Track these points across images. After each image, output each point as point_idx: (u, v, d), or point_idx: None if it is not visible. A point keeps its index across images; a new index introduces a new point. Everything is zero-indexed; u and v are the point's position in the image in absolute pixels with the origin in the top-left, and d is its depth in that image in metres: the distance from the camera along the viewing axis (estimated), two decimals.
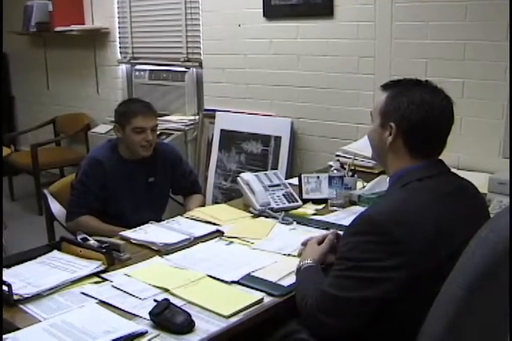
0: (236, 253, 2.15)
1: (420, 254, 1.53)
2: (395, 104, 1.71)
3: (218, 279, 1.89)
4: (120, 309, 1.71)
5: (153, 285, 1.85)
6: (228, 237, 2.29)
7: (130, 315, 1.67)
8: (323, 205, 2.65)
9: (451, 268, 1.44)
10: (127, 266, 2.03)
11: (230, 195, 4.15)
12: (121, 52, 5.27)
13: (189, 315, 1.61)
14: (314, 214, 2.56)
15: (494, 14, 3.06)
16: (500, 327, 1.50)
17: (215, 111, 4.47)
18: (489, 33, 3.11)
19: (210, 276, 1.91)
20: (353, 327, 1.61)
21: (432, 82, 1.76)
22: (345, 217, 2.47)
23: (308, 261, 1.87)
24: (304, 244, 2.06)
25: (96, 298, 1.78)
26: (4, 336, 1.55)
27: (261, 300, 1.76)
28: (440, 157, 1.76)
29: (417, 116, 1.67)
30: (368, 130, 1.83)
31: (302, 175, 2.83)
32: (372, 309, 1.58)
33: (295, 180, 2.88)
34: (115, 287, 1.86)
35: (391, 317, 1.61)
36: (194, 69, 4.74)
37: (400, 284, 1.54)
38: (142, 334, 1.56)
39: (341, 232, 1.92)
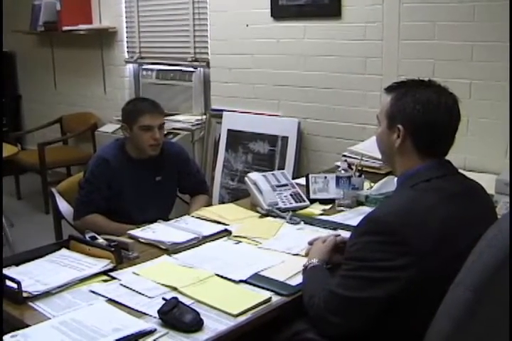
0: (244, 252, 2.15)
1: (427, 254, 1.54)
2: (400, 106, 1.71)
3: (226, 278, 1.90)
4: (129, 307, 1.72)
5: (162, 284, 1.85)
6: (236, 237, 2.30)
7: (139, 313, 1.68)
8: (331, 205, 2.66)
9: (457, 269, 1.44)
10: (135, 264, 2.04)
11: (237, 194, 4.15)
12: (128, 52, 5.28)
13: (197, 313, 1.62)
14: (321, 214, 2.56)
15: (502, 15, 3.05)
16: (507, 327, 1.50)
17: (222, 111, 4.47)
18: (497, 33, 3.10)
19: (219, 275, 1.92)
20: (361, 327, 1.62)
21: (435, 81, 1.77)
22: (353, 217, 2.47)
23: (314, 261, 1.88)
24: (311, 243, 2.06)
25: (105, 296, 1.79)
26: (14, 333, 1.56)
27: (269, 300, 1.77)
28: (447, 158, 1.76)
29: (423, 116, 1.68)
30: (376, 133, 1.84)
31: (310, 175, 2.83)
32: (380, 309, 1.59)
33: (302, 180, 2.89)
34: (124, 285, 1.86)
35: (398, 316, 1.62)
36: (201, 69, 4.74)
37: (407, 284, 1.54)
38: (151, 332, 1.57)
39: (349, 233, 1.92)
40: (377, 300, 1.58)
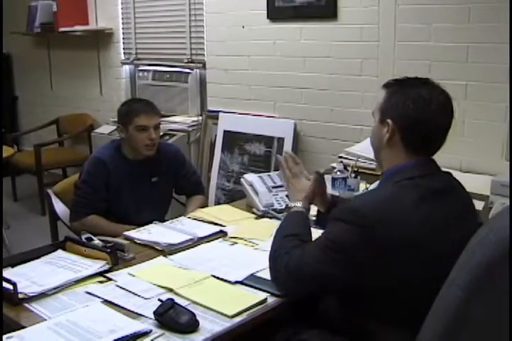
0: (240, 253, 2.16)
1: (402, 254, 1.56)
2: (392, 101, 1.72)
3: (222, 279, 1.90)
4: (124, 308, 1.72)
5: (158, 285, 1.86)
6: (232, 238, 2.30)
7: (134, 315, 1.68)
8: None
9: (439, 269, 1.46)
10: (131, 265, 2.04)
11: (233, 196, 4.16)
12: (124, 53, 5.29)
13: (193, 314, 1.62)
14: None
15: (497, 16, 3.07)
16: (502, 328, 1.51)
17: (218, 112, 4.48)
18: (492, 35, 3.12)
19: (214, 276, 1.92)
20: (309, 298, 1.76)
21: (432, 79, 1.77)
22: None
23: (298, 205, 1.96)
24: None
25: (100, 298, 1.79)
26: (9, 334, 1.56)
27: (265, 300, 1.77)
28: (442, 159, 1.77)
29: (413, 111, 1.68)
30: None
31: None
32: (337, 289, 1.69)
33: None
34: (119, 286, 1.87)
35: (386, 323, 1.63)
36: (198, 71, 4.74)
37: (378, 277, 1.59)
38: (147, 333, 1.57)
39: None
40: (336, 279, 1.64)
